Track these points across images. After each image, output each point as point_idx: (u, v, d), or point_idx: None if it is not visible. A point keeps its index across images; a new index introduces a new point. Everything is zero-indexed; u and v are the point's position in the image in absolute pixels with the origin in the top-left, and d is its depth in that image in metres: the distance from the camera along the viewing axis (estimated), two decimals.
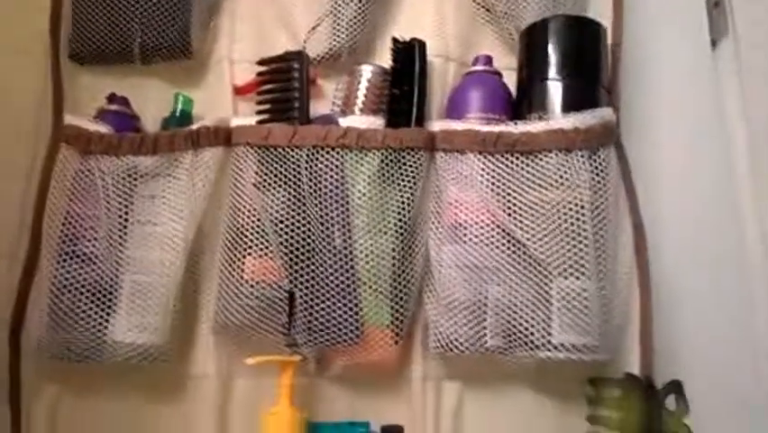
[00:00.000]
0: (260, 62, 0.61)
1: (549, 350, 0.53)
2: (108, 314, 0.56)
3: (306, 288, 0.55)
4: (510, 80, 0.62)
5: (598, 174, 0.55)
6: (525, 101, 0.59)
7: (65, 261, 0.56)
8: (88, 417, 0.58)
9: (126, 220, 0.57)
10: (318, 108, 0.63)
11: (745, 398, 0.59)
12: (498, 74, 0.62)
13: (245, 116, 0.61)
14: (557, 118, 0.56)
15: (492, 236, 0.56)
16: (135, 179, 0.58)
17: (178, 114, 0.62)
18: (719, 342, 0.59)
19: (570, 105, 0.57)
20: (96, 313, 0.55)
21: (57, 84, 0.62)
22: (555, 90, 0.58)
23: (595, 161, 0.55)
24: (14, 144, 0.61)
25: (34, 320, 0.56)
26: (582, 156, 0.55)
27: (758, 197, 0.66)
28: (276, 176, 0.57)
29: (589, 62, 0.59)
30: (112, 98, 0.62)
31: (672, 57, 0.68)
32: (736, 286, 0.61)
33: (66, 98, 0.63)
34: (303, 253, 0.56)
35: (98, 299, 0.56)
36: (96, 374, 0.58)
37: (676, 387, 0.53)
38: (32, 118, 0.62)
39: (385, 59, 0.62)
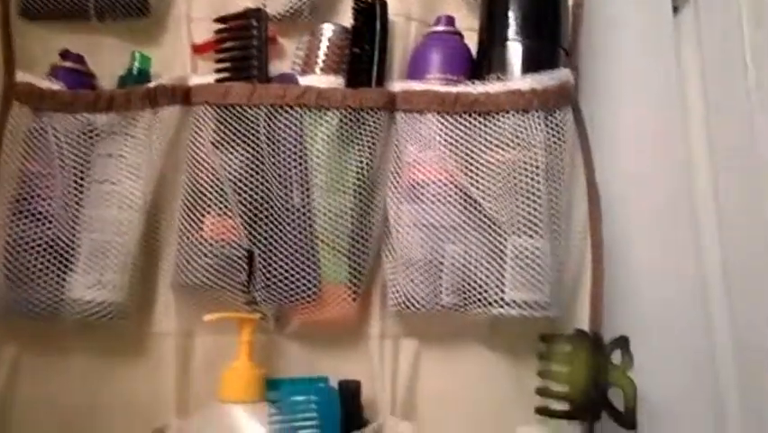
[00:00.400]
0: (218, 20, 0.60)
1: (502, 306, 0.54)
2: (65, 272, 0.55)
3: (265, 246, 0.56)
4: (473, 42, 0.62)
5: (554, 135, 0.56)
6: (485, 62, 0.59)
7: (20, 219, 0.56)
8: (49, 376, 0.58)
9: (82, 179, 0.57)
10: (279, 68, 0.62)
11: (693, 353, 0.61)
12: (460, 35, 0.62)
13: (204, 75, 0.61)
14: (515, 79, 0.57)
15: (449, 196, 0.56)
16: (91, 138, 0.57)
17: (135, 72, 0.61)
18: (670, 299, 0.61)
19: (528, 67, 0.57)
20: (52, 271, 0.55)
21: (6, 41, 0.60)
22: (514, 51, 0.58)
23: (551, 122, 0.56)
24: None
25: None
26: (539, 117, 0.55)
27: (713, 160, 0.67)
28: (234, 135, 0.57)
29: (549, 23, 0.59)
30: (65, 55, 0.60)
31: (634, 21, 0.69)
32: (687, 245, 0.63)
33: (20, 56, 0.61)
34: (261, 212, 0.56)
35: (55, 257, 0.55)
36: (56, 333, 0.57)
37: (622, 342, 0.54)
38: None
39: (348, 19, 0.62)
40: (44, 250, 0.55)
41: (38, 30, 0.63)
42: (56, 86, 0.58)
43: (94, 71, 0.62)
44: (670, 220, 0.64)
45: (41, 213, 0.56)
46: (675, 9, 0.70)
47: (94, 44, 0.63)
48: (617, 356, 0.54)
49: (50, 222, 0.56)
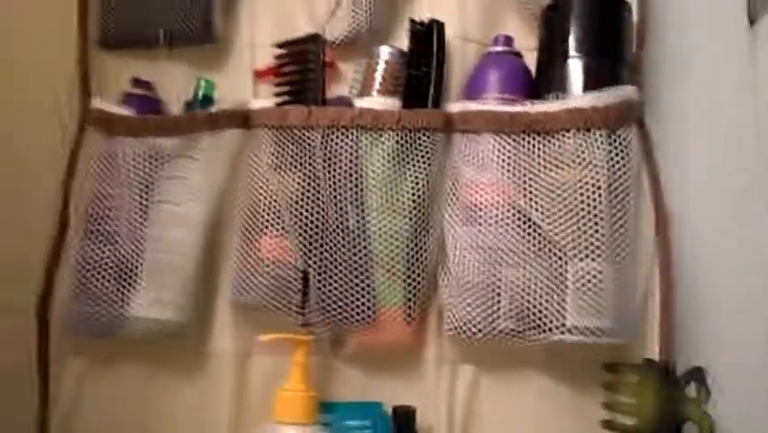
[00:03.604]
0: (278, 45, 0.62)
1: (563, 333, 0.52)
2: (129, 291, 0.57)
3: (320, 267, 0.56)
4: (532, 61, 0.61)
5: (617, 154, 0.53)
6: (545, 81, 0.58)
7: (89, 239, 0.58)
8: (112, 391, 0.60)
9: (147, 200, 0.59)
10: (339, 91, 0.63)
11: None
12: (518, 54, 0.61)
13: (264, 99, 0.62)
14: (575, 97, 0.55)
15: (507, 217, 0.55)
16: (157, 161, 0.60)
17: (200, 97, 0.63)
18: (746, 328, 0.57)
19: (590, 84, 0.55)
20: (117, 289, 0.57)
21: (84, 69, 0.64)
22: (575, 69, 0.56)
23: (614, 140, 0.54)
24: (47, 128, 0.64)
25: (61, 297, 0.58)
26: (601, 135, 0.53)
27: None
28: (291, 157, 0.58)
29: (611, 40, 0.57)
30: (136, 82, 0.63)
31: (706, 35, 0.66)
32: (764, 271, 0.59)
33: (94, 83, 0.65)
34: (317, 233, 0.56)
35: (120, 276, 0.57)
36: (119, 349, 0.60)
37: (697, 373, 0.51)
38: (65, 103, 0.64)
39: (405, 42, 0.62)
40: (110, 269, 0.58)
41: (112, 58, 0.66)
42: (126, 111, 0.61)
43: (162, 97, 0.65)
44: (747, 242, 0.59)
45: (109, 233, 0.59)
46: (751, 21, 0.66)
47: (163, 71, 0.66)
48: (691, 389, 0.51)
49: (117, 242, 0.58)
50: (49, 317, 0.60)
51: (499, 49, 0.61)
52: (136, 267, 0.58)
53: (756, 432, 0.55)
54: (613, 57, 0.57)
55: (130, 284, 0.58)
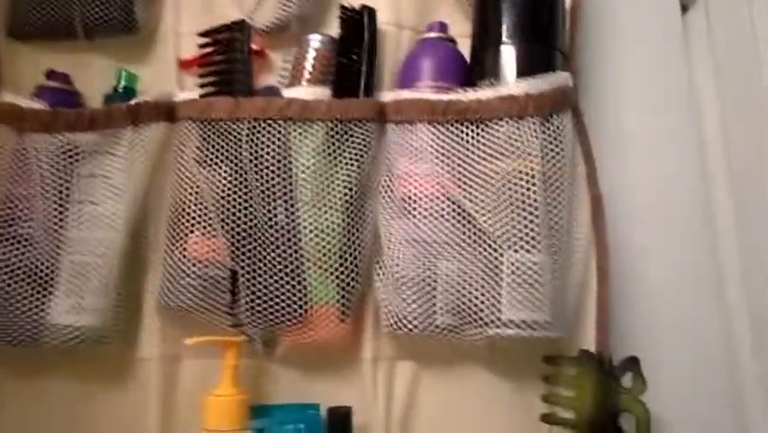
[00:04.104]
0: (202, 34, 0.59)
1: (499, 327, 0.51)
2: (46, 296, 0.54)
3: (249, 266, 0.53)
4: (467, 49, 0.59)
5: (551, 142, 0.53)
6: (478, 67, 0.57)
7: (1, 243, 0.54)
8: (34, 402, 0.56)
9: (64, 200, 0.55)
10: (268, 82, 0.61)
11: (712, 372, 0.57)
12: (453, 41, 0.59)
13: (191, 91, 0.59)
14: (509, 84, 0.54)
15: (442, 210, 0.54)
16: (73, 158, 0.56)
17: (121, 90, 0.60)
18: (684, 318, 0.57)
19: (523, 71, 0.54)
20: (33, 296, 0.53)
21: None
22: (508, 55, 0.55)
23: (548, 128, 0.53)
24: None
25: None
26: (534, 123, 0.52)
27: (730, 166, 0.63)
28: (217, 151, 0.55)
29: (545, 26, 0.56)
30: (50, 75, 0.59)
31: (640, 20, 0.66)
32: (704, 260, 0.59)
33: (6, 77, 0.61)
34: (245, 231, 0.54)
35: (36, 281, 0.54)
36: (37, 359, 0.56)
37: (633, 364, 0.50)
38: None
39: (337, 30, 0.60)
40: (25, 274, 0.54)
41: (26, 49, 0.62)
42: (38, 105, 0.57)
43: (83, 91, 0.61)
44: (684, 229, 0.60)
45: (22, 236, 0.55)
46: (684, 8, 0.66)
47: (82, 63, 0.62)
48: (627, 379, 0.51)
49: (32, 245, 0.54)
50: None
51: (433, 35, 0.59)
52: (53, 271, 0.54)
53: (692, 421, 0.55)
54: (546, 43, 0.56)
55: (47, 290, 0.54)
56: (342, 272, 0.54)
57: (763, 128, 0.59)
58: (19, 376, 0.56)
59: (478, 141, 0.53)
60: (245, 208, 0.54)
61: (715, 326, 0.59)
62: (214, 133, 0.55)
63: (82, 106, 0.60)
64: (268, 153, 0.54)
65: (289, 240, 0.54)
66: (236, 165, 0.55)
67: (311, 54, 0.59)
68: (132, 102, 0.57)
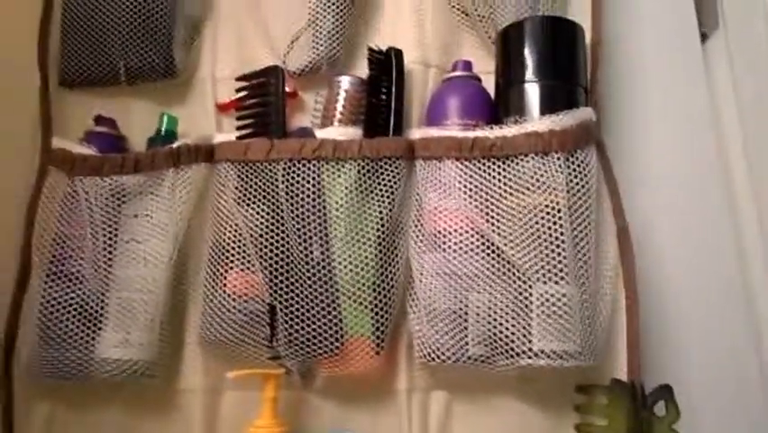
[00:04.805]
0: (239, 78, 0.62)
1: (530, 357, 0.52)
2: (95, 332, 0.57)
3: (286, 300, 0.55)
4: (491, 85, 0.61)
5: (576, 176, 0.54)
6: (503, 105, 0.58)
7: (53, 281, 0.58)
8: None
9: (112, 239, 0.58)
10: (301, 122, 0.63)
11: (746, 401, 0.57)
12: (478, 79, 0.61)
13: (228, 133, 0.62)
14: (533, 121, 0.55)
15: (471, 243, 0.55)
16: (120, 199, 0.59)
17: (163, 133, 0.63)
18: (713, 345, 0.57)
19: (547, 107, 0.56)
20: (83, 331, 0.56)
21: (45, 109, 0.64)
22: (532, 92, 0.57)
23: (573, 162, 0.54)
24: (10, 170, 0.63)
25: (25, 340, 0.58)
26: (559, 158, 0.54)
27: (756, 197, 0.63)
28: (255, 190, 0.58)
29: (566, 63, 0.58)
30: (98, 120, 0.63)
31: (659, 52, 0.67)
32: (731, 287, 0.59)
33: (57, 122, 0.65)
34: (282, 267, 0.56)
35: (85, 317, 0.57)
36: (86, 391, 0.59)
37: (665, 392, 0.51)
38: (28, 144, 0.64)
39: (366, 71, 0.62)
40: (75, 310, 0.57)
41: (74, 96, 0.66)
42: (88, 150, 0.60)
43: (126, 134, 0.65)
44: (711, 256, 0.60)
45: (73, 274, 0.58)
46: (704, 36, 0.68)
47: (126, 108, 0.66)
48: (660, 408, 0.51)
49: (82, 282, 0.58)
50: (13, 362, 0.58)
51: (459, 74, 0.61)
52: (102, 308, 0.57)
53: None
54: (568, 79, 0.57)
55: (96, 325, 0.57)
56: (376, 305, 0.55)
57: None
58: (69, 409, 0.59)
59: (504, 176, 0.55)
60: (282, 245, 0.56)
61: (748, 351, 0.59)
62: (251, 174, 0.58)
63: (127, 150, 0.64)
64: (303, 192, 0.57)
65: (325, 275, 0.56)
66: (273, 204, 0.57)
67: (342, 95, 0.62)
68: (174, 145, 0.60)
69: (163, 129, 0.63)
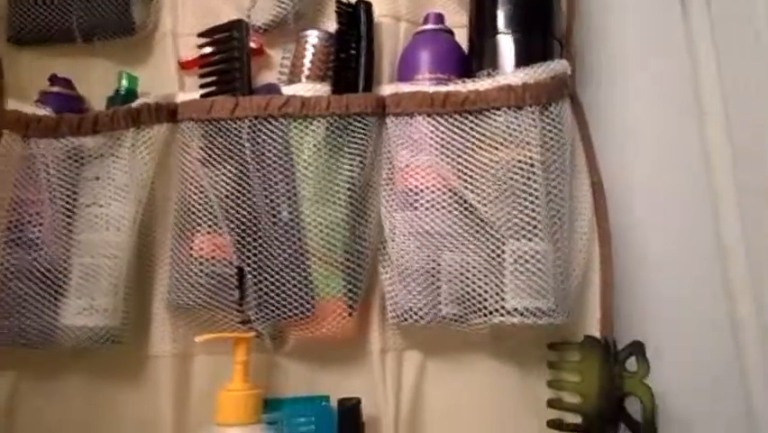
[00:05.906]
0: (201, 34, 0.59)
1: (503, 315, 0.51)
2: (58, 299, 0.55)
3: (255, 263, 0.54)
4: (465, 40, 0.59)
5: (550, 130, 0.53)
6: (476, 58, 0.57)
7: (11, 248, 0.55)
8: (47, 401, 0.57)
9: (71, 203, 0.56)
10: (268, 78, 0.61)
11: (716, 355, 0.57)
12: (450, 32, 0.59)
13: (192, 91, 0.60)
14: (506, 74, 0.54)
15: (444, 201, 0.54)
16: (78, 161, 0.57)
17: (122, 92, 0.60)
18: (688, 299, 0.57)
19: (521, 60, 0.54)
20: (45, 298, 0.55)
21: None
22: (505, 45, 0.55)
23: (547, 117, 0.53)
24: None
25: None
26: (533, 112, 0.52)
27: (734, 148, 0.63)
28: (220, 150, 0.56)
29: (541, 14, 0.56)
30: (53, 80, 0.60)
31: (639, 5, 0.65)
32: (706, 244, 0.59)
33: (13, 85, 0.61)
34: (250, 228, 0.54)
35: (47, 284, 0.55)
36: (52, 359, 0.57)
37: (637, 347, 0.51)
38: None
39: (334, 25, 0.60)
40: (37, 278, 0.55)
41: (27, 55, 0.63)
42: (42, 111, 0.58)
43: (84, 94, 0.62)
44: (686, 215, 0.60)
45: (32, 240, 0.56)
46: None
47: (85, 68, 0.63)
48: (632, 363, 0.51)
49: (42, 249, 0.55)
50: None
51: (430, 27, 0.59)
52: (64, 274, 0.55)
53: (697, 400, 0.56)
54: (543, 32, 0.56)
55: (59, 292, 0.55)
56: (347, 266, 0.54)
57: (764, 111, 0.58)
58: (34, 377, 0.58)
59: (477, 131, 0.54)
60: (249, 206, 0.54)
61: (718, 305, 0.59)
62: (215, 133, 0.56)
63: (86, 111, 0.61)
64: (269, 151, 0.55)
65: (294, 235, 0.54)
66: (239, 163, 0.55)
67: (309, 50, 0.59)
68: (134, 104, 0.58)
69: (123, 88, 0.61)
